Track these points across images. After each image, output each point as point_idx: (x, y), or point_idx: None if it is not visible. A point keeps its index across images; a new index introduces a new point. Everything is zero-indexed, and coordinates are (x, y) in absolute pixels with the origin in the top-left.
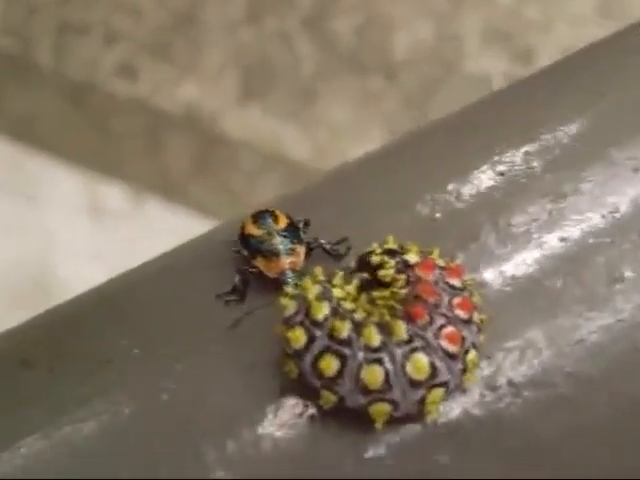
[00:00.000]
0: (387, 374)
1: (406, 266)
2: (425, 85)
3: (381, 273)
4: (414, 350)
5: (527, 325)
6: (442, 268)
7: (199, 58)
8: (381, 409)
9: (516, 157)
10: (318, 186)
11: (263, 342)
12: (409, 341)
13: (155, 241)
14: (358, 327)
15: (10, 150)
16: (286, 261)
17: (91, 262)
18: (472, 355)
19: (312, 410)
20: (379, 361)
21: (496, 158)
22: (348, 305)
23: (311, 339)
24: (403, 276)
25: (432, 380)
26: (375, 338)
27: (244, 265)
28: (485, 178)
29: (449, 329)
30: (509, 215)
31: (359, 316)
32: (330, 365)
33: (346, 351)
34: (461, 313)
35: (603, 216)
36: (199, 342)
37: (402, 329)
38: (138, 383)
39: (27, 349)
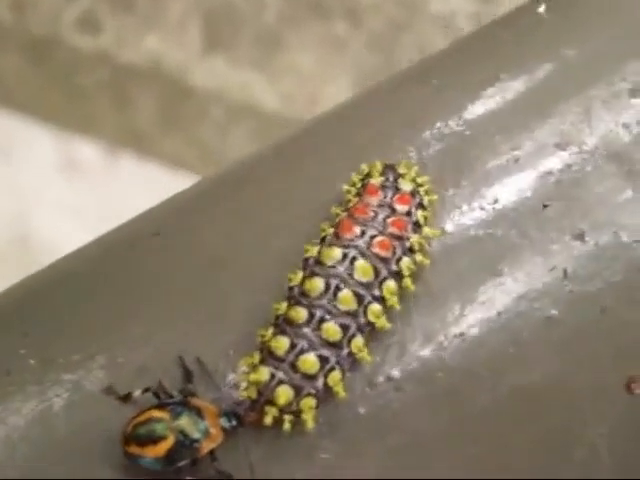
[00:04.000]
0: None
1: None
2: (391, 28)
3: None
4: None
5: (406, 321)
6: None
7: (161, 8)
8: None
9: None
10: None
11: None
12: None
13: (130, 195)
14: None
15: None
16: (221, 421)
17: (68, 217)
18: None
19: None
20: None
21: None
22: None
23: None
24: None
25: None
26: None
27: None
28: None
29: None
30: None
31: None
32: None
33: None
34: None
35: (483, 208)
36: (93, 349)
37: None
38: (36, 393)
39: None
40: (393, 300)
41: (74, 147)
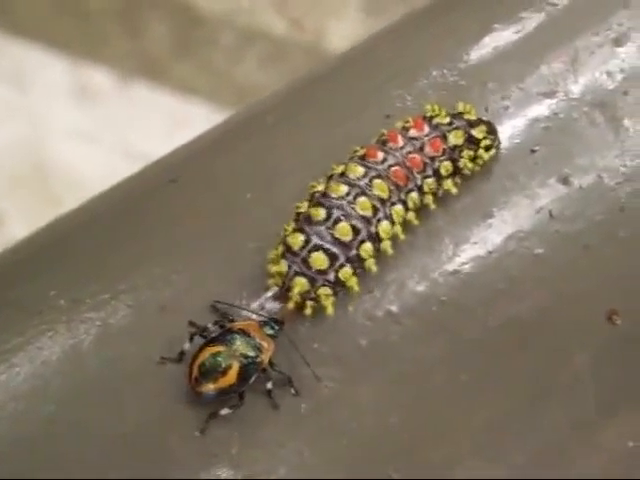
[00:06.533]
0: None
1: None
2: None
3: None
4: None
5: (404, 260)
6: None
7: None
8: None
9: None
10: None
11: None
12: None
13: (142, 120)
14: None
15: None
16: (265, 330)
17: (83, 142)
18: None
19: None
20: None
21: None
22: None
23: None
24: None
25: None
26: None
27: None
28: None
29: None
30: None
31: None
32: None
33: None
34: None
35: None
36: (117, 289)
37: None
38: (67, 331)
39: None
40: (397, 229)
41: (86, 73)
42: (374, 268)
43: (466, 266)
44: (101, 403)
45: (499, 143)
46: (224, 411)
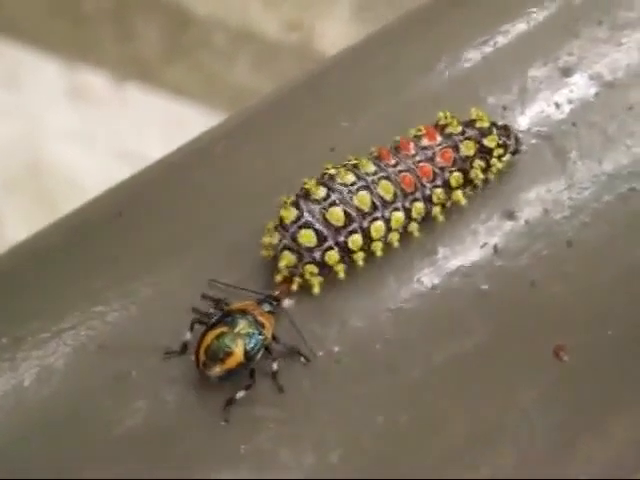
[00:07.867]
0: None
1: None
2: None
3: None
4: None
5: (347, 297)
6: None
7: None
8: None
9: None
10: None
11: None
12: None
13: (136, 122)
14: None
15: None
16: (263, 308)
17: (77, 144)
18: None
19: None
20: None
21: None
22: None
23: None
24: None
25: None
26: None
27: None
28: None
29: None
30: None
31: None
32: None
33: None
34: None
35: None
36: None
37: None
38: (8, 369)
39: None
40: (394, 236)
41: (80, 75)
42: (361, 263)
43: (409, 303)
44: (42, 439)
45: (518, 146)
46: (240, 394)
